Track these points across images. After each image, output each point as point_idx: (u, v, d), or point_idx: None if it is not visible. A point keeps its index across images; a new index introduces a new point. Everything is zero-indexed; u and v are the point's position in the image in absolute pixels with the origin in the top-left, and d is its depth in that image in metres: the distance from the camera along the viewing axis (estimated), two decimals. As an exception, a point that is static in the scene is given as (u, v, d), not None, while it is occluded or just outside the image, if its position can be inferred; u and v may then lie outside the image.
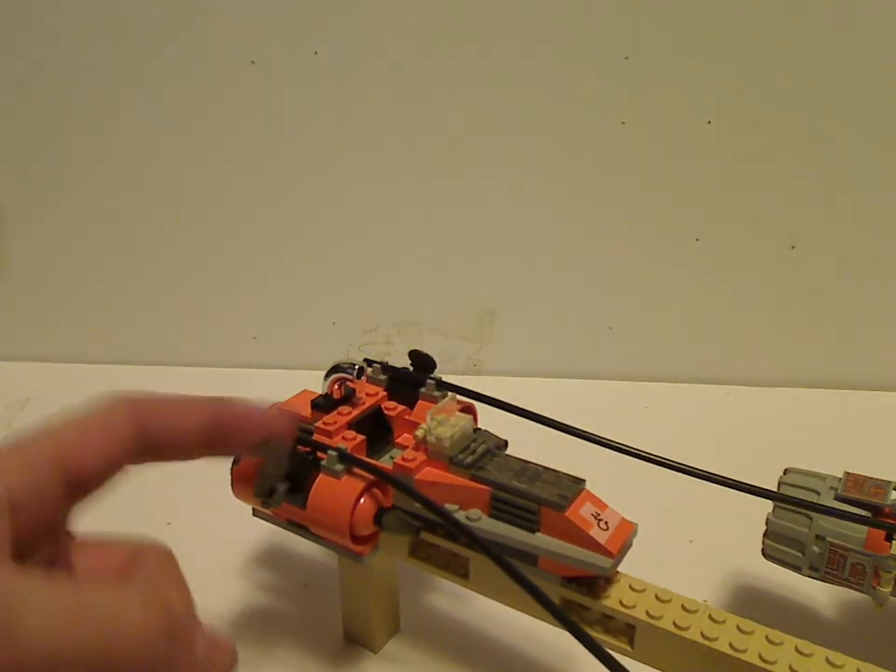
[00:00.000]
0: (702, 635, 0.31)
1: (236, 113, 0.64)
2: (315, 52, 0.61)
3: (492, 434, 0.38)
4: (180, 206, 0.68)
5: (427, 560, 0.37)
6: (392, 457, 0.37)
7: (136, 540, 0.25)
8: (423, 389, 0.40)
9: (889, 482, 0.36)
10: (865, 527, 0.34)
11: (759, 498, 0.35)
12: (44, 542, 0.23)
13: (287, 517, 0.35)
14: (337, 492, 0.33)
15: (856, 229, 0.63)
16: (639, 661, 0.32)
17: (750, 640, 0.30)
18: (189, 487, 0.44)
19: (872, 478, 0.37)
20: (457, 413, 0.37)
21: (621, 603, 0.32)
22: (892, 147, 0.60)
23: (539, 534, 0.33)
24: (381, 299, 0.69)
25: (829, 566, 0.35)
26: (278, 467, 0.33)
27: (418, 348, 0.42)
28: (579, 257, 0.66)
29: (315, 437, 0.36)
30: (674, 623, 0.31)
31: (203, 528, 0.47)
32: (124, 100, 0.65)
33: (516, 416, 0.38)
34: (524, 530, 0.33)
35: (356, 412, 0.38)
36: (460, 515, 0.34)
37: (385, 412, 0.39)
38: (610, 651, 0.27)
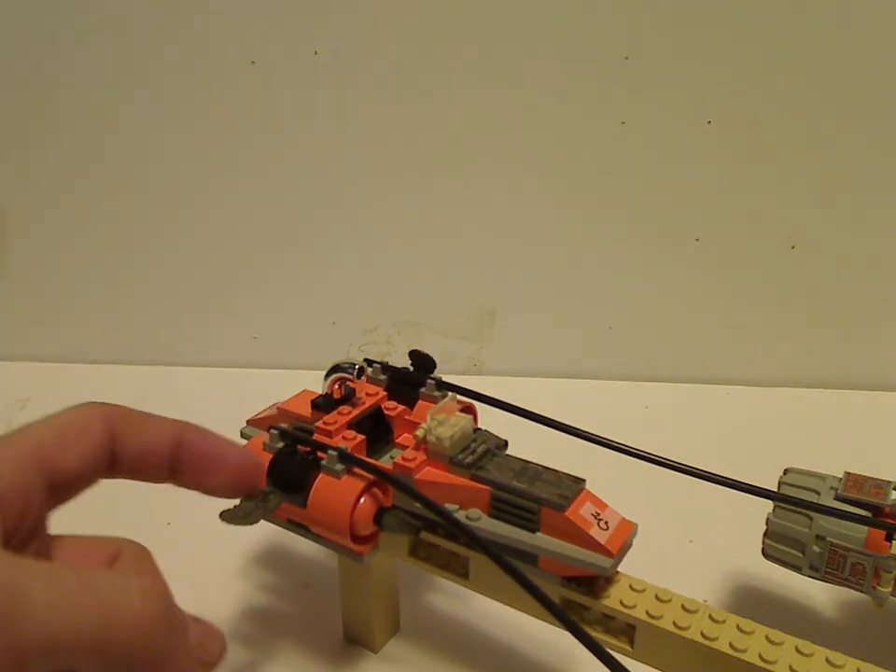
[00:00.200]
0: (702, 635, 0.31)
1: (236, 113, 0.64)
2: (315, 52, 0.61)
3: (492, 434, 0.38)
4: (180, 206, 0.68)
5: (427, 560, 0.37)
6: (392, 457, 0.37)
7: (113, 538, 0.25)
8: (423, 389, 0.40)
9: (889, 482, 0.36)
10: (865, 527, 0.34)
11: (759, 498, 0.35)
12: (26, 543, 0.24)
13: (288, 517, 0.35)
14: (337, 491, 0.33)
15: (856, 229, 0.63)
16: (639, 661, 0.32)
17: (750, 640, 0.30)
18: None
19: (872, 478, 0.37)
20: (457, 413, 0.37)
21: (621, 603, 0.32)
22: (892, 146, 0.60)
23: (539, 534, 0.33)
24: (381, 299, 0.69)
25: (829, 565, 0.35)
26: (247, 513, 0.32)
27: (418, 348, 0.42)
28: (579, 257, 0.66)
29: (316, 436, 0.36)
30: (674, 623, 0.31)
31: (202, 528, 0.46)
32: (124, 100, 0.65)
33: (516, 416, 0.38)
34: (524, 530, 0.33)
35: (356, 411, 0.38)
36: (460, 515, 0.34)
37: (386, 411, 0.39)
38: (610, 651, 0.27)
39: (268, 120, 0.64)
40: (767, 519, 0.37)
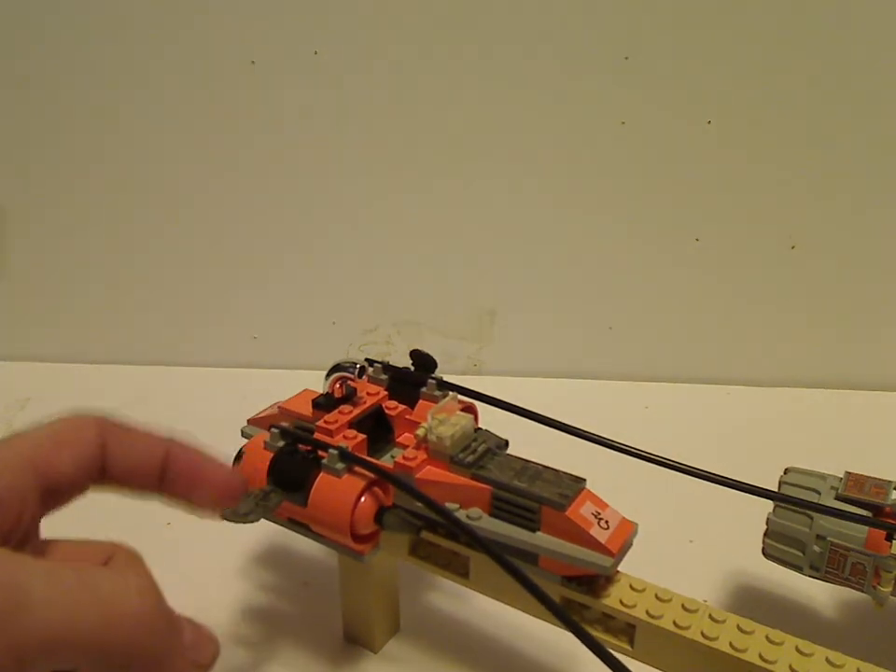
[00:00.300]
0: (702, 634, 0.31)
1: (236, 113, 0.64)
2: (315, 52, 0.61)
3: (493, 434, 0.38)
4: (180, 206, 0.68)
5: (428, 559, 0.37)
6: (393, 456, 0.37)
7: (105, 542, 0.25)
8: (424, 389, 0.40)
9: (889, 481, 0.36)
10: (866, 527, 0.34)
11: (759, 498, 0.35)
12: (20, 547, 0.24)
13: (288, 516, 0.35)
14: (338, 490, 0.33)
15: (856, 229, 0.63)
16: (639, 660, 0.32)
17: (751, 640, 0.30)
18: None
19: (872, 478, 0.37)
20: (458, 413, 0.37)
21: (621, 602, 0.32)
22: (892, 146, 0.60)
23: (539, 533, 0.33)
24: (381, 299, 0.69)
25: (829, 565, 0.35)
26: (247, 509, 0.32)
27: (418, 348, 0.42)
28: (579, 257, 0.66)
29: (316, 435, 0.36)
30: (674, 623, 0.31)
31: (203, 528, 0.46)
32: (124, 100, 0.65)
33: (517, 416, 0.38)
34: (524, 529, 0.33)
35: (357, 411, 0.38)
36: (461, 514, 0.34)
37: (386, 411, 0.39)
38: (611, 651, 0.27)
39: (268, 120, 0.64)
40: (768, 519, 0.37)
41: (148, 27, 0.62)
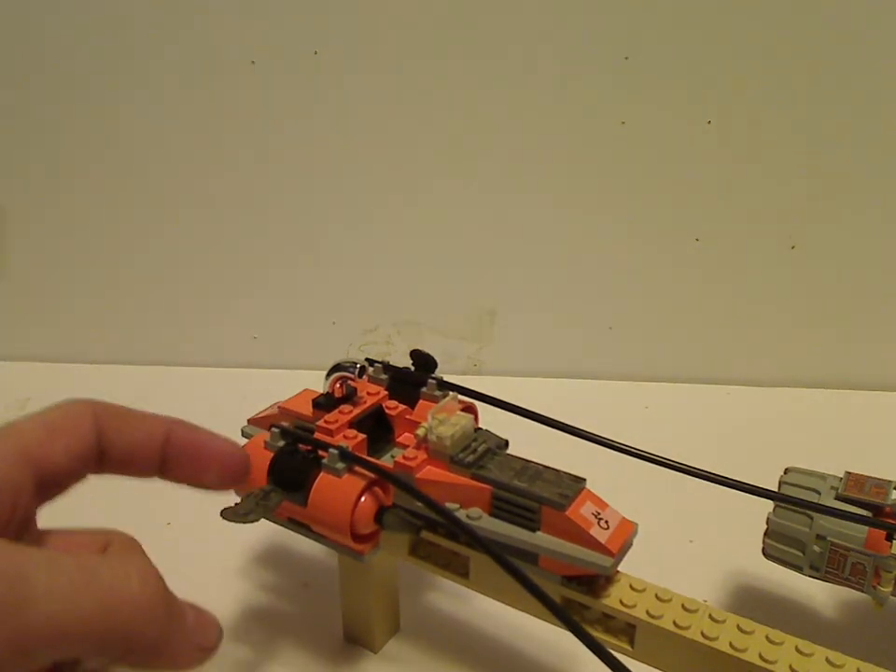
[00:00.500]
0: (702, 634, 0.31)
1: (236, 113, 0.64)
2: (315, 52, 0.61)
3: (493, 433, 0.38)
4: (180, 206, 0.68)
5: (428, 559, 0.37)
6: (393, 456, 0.37)
7: (101, 529, 0.25)
8: (424, 389, 0.40)
9: (889, 481, 0.36)
10: (866, 527, 0.34)
11: (759, 498, 0.35)
12: (17, 538, 0.24)
13: (288, 515, 0.35)
14: (338, 490, 0.33)
15: (856, 229, 0.63)
16: (639, 660, 0.32)
17: (750, 640, 0.30)
18: (189, 487, 0.44)
19: (872, 477, 0.37)
20: (458, 413, 0.37)
21: (621, 602, 0.32)
22: (892, 147, 0.60)
23: (539, 533, 0.33)
24: (381, 299, 0.69)
25: (829, 565, 0.35)
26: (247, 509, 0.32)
27: (419, 348, 0.42)
28: (579, 257, 0.66)
29: (317, 435, 0.36)
30: (674, 623, 0.31)
31: (202, 528, 0.46)
32: (124, 100, 0.65)
33: (517, 416, 0.38)
34: (524, 529, 0.33)
35: (357, 410, 0.38)
36: (461, 514, 0.34)
37: (387, 411, 0.39)
38: (611, 651, 0.27)
39: (268, 120, 0.64)
40: (768, 519, 0.37)
41: (148, 27, 0.62)
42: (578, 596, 0.33)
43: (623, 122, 0.61)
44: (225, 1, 0.61)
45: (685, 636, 0.31)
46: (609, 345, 0.68)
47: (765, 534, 0.37)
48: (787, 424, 0.61)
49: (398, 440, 0.38)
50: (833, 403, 0.65)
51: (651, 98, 0.60)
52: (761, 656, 0.30)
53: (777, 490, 0.37)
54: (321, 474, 0.34)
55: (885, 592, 0.34)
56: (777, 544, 0.37)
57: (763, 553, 0.37)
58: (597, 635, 0.33)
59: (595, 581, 0.33)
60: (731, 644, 0.30)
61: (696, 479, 0.35)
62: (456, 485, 0.35)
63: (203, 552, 0.46)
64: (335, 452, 0.34)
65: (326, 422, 0.37)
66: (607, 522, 0.33)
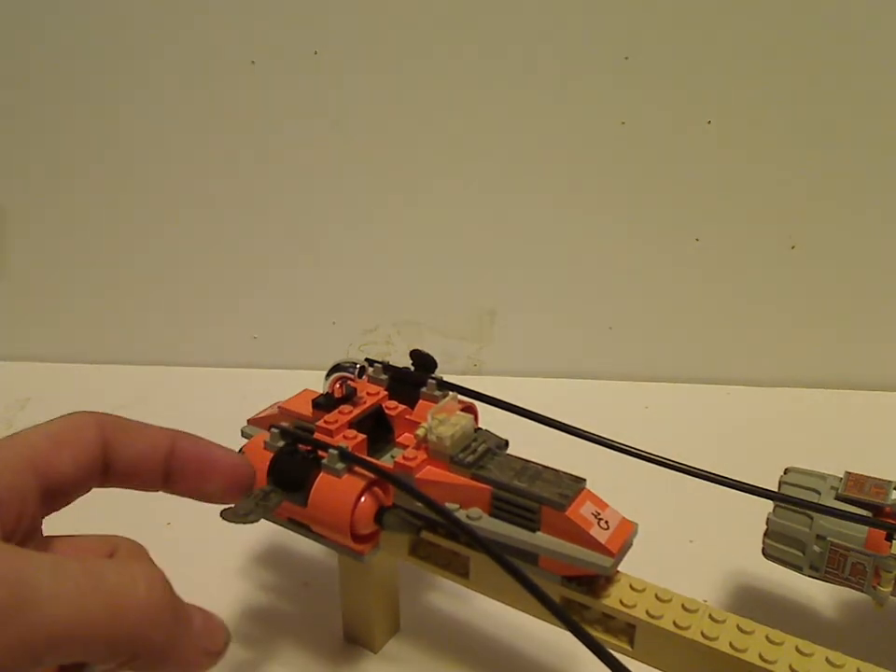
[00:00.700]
0: (702, 634, 0.31)
1: (236, 113, 0.64)
2: (315, 52, 0.61)
3: (493, 434, 0.38)
4: (180, 206, 0.68)
5: (428, 559, 0.37)
6: (393, 456, 0.37)
7: (108, 536, 0.25)
8: (424, 389, 0.40)
9: (889, 481, 0.36)
10: (866, 527, 0.34)
11: (759, 498, 0.35)
12: (22, 546, 0.24)
13: (288, 516, 0.35)
14: (338, 490, 0.33)
15: (856, 229, 0.63)
16: (639, 660, 0.32)
17: (750, 640, 0.30)
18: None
19: (872, 478, 0.37)
20: (458, 413, 0.37)
21: (621, 602, 0.32)
22: (892, 146, 0.60)
23: (539, 533, 0.33)
24: (381, 299, 0.69)
25: (829, 565, 0.35)
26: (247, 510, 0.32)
27: (418, 348, 0.42)
28: (579, 257, 0.66)
29: (316, 435, 0.36)
30: (674, 623, 0.31)
31: (203, 528, 0.46)
32: (124, 100, 0.65)
33: (517, 416, 0.38)
34: (524, 529, 0.33)
35: (357, 411, 0.38)
36: (461, 514, 0.34)
37: (386, 411, 0.39)
38: (611, 651, 0.27)
39: (268, 120, 0.64)
40: (768, 519, 0.37)
41: (148, 27, 0.62)
42: (578, 596, 0.33)
43: (623, 122, 0.61)
44: (225, 1, 0.61)
45: (685, 636, 0.31)
46: (609, 345, 0.68)
47: (765, 534, 0.37)
48: (787, 424, 0.61)
49: (398, 440, 0.38)
50: (833, 403, 0.65)
51: (651, 98, 0.60)
52: (761, 656, 0.30)
53: (777, 490, 0.37)
54: (321, 474, 0.34)
55: (885, 592, 0.34)
56: (777, 544, 0.37)
57: (763, 553, 0.37)
58: (597, 635, 0.33)
59: (595, 581, 0.33)
60: (731, 644, 0.30)
61: (696, 479, 0.35)
62: (456, 485, 0.35)
63: (203, 552, 0.46)
64: (335, 452, 0.34)
65: (326, 422, 0.37)
66: (607, 522, 0.33)
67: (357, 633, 0.41)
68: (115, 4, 0.62)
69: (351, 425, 0.37)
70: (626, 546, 0.33)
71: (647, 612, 0.32)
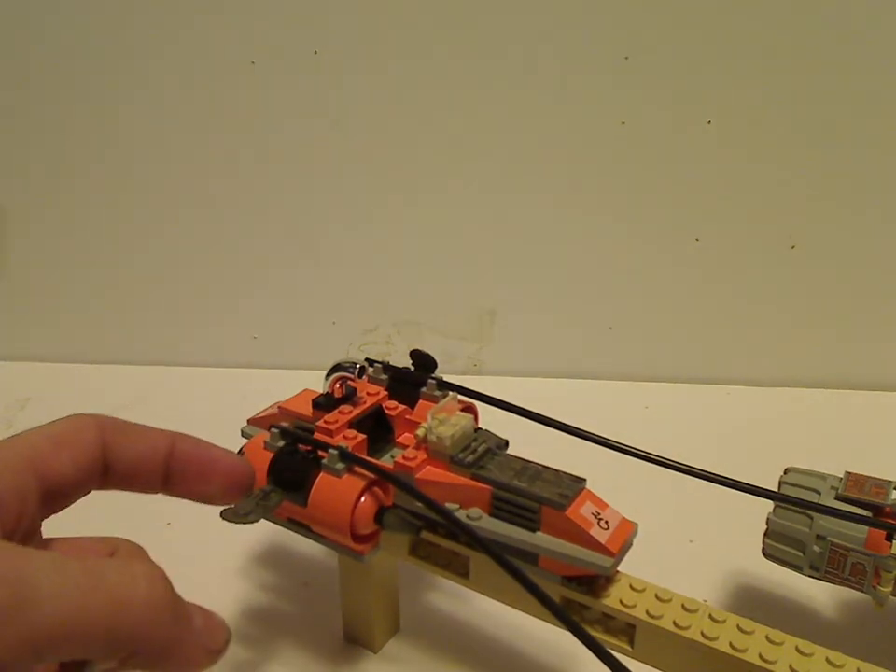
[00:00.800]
0: (702, 634, 0.31)
1: (236, 113, 0.64)
2: (315, 52, 0.61)
3: (493, 434, 0.38)
4: (180, 206, 0.68)
5: (428, 559, 0.37)
6: (393, 456, 0.37)
7: (107, 537, 0.25)
8: (424, 389, 0.40)
9: (889, 481, 0.36)
10: (866, 527, 0.34)
11: (759, 498, 0.35)
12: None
13: (288, 516, 0.35)
14: (338, 490, 0.33)
15: (856, 229, 0.63)
16: (639, 660, 0.32)
17: (750, 640, 0.30)
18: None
19: (872, 477, 0.37)
20: (458, 413, 0.37)
21: (621, 602, 0.32)
22: (892, 146, 0.60)
23: (539, 533, 0.33)
24: (381, 299, 0.69)
25: (829, 565, 0.35)
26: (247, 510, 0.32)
27: (418, 348, 0.42)
28: (579, 257, 0.66)
29: (316, 435, 0.36)
30: (674, 623, 0.31)
31: (203, 528, 0.46)
32: (124, 100, 0.65)
33: (517, 416, 0.38)
34: (524, 529, 0.33)
35: (357, 411, 0.38)
36: (461, 514, 0.34)
37: (386, 411, 0.39)
38: (611, 651, 0.27)
39: (268, 120, 0.64)
40: (768, 519, 0.37)
41: (148, 27, 0.62)
42: (578, 596, 0.33)
43: (623, 122, 0.61)
44: (225, 1, 0.61)
45: (685, 636, 0.31)
46: (609, 345, 0.68)
47: (765, 534, 0.37)
48: (787, 424, 0.61)
49: (398, 440, 0.38)
50: (833, 403, 0.65)
51: (651, 98, 0.60)
52: (761, 656, 0.30)
53: (777, 490, 0.37)
54: (321, 474, 0.34)
55: (885, 592, 0.34)
56: (777, 544, 0.37)
57: (763, 553, 0.37)
58: (597, 635, 0.33)
59: (595, 581, 0.33)
60: (731, 644, 0.30)
61: (696, 479, 0.35)
62: (456, 485, 0.35)
63: (203, 552, 0.46)
64: (335, 452, 0.34)
65: (326, 422, 0.37)
66: (607, 522, 0.33)
67: (357, 633, 0.41)
68: (115, 4, 0.62)
69: (351, 425, 0.37)
70: (626, 546, 0.33)
71: (647, 612, 0.32)
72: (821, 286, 0.65)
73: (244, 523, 0.31)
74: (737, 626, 0.31)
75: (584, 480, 0.34)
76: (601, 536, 0.32)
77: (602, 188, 0.64)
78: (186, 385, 0.67)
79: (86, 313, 0.72)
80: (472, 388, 0.39)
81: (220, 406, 0.53)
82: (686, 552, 0.48)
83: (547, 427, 0.37)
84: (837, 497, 0.36)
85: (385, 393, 0.40)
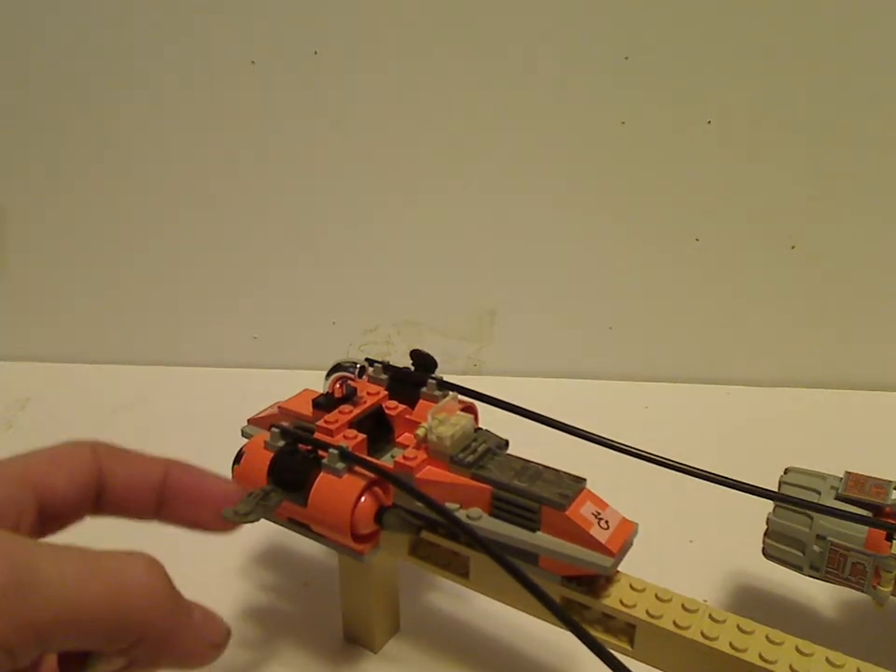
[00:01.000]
0: (702, 634, 0.31)
1: (236, 113, 0.64)
2: (315, 52, 0.61)
3: (493, 434, 0.38)
4: (180, 206, 0.68)
5: (428, 559, 0.37)
6: (393, 456, 0.37)
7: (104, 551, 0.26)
8: (424, 389, 0.40)
9: (889, 481, 0.36)
10: (866, 527, 0.34)
11: (759, 498, 0.35)
12: None
13: (288, 515, 0.35)
14: (338, 490, 0.33)
15: (856, 229, 0.63)
16: (639, 660, 0.32)
17: (750, 640, 0.30)
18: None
19: (872, 477, 0.37)
20: (458, 413, 0.37)
21: (621, 602, 0.32)
22: (892, 146, 0.60)
23: (539, 533, 0.33)
24: (381, 299, 0.69)
25: (829, 565, 0.35)
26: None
27: (418, 348, 0.42)
28: (579, 257, 0.66)
29: (317, 435, 0.36)
30: (674, 623, 0.31)
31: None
32: (124, 100, 0.65)
33: (517, 416, 0.38)
34: (524, 529, 0.33)
35: (357, 410, 0.38)
36: (461, 514, 0.34)
37: (386, 411, 0.39)
38: (611, 651, 0.27)
39: (268, 120, 0.64)
40: (768, 519, 0.37)
41: (148, 27, 0.62)
42: (578, 596, 0.33)
43: (623, 122, 0.61)
44: (225, 1, 0.61)
45: (685, 636, 0.31)
46: (609, 345, 0.68)
47: (765, 534, 0.37)
48: (787, 424, 0.61)
49: (398, 440, 0.38)
50: (833, 403, 0.65)
51: (651, 98, 0.60)
52: (761, 656, 0.30)
53: (777, 490, 0.37)
54: (321, 474, 0.34)
55: (885, 592, 0.34)
56: (777, 544, 0.37)
57: (763, 553, 0.37)
58: (597, 635, 0.33)
59: (595, 581, 0.33)
60: (731, 644, 0.30)
61: (696, 479, 0.35)
62: (456, 485, 0.35)
63: (203, 552, 0.46)
64: (335, 452, 0.34)
65: (326, 422, 0.37)
66: (607, 522, 0.33)
67: (357, 633, 0.41)
68: (115, 4, 0.62)
69: (351, 425, 0.37)
70: (626, 546, 0.33)
71: (647, 612, 0.32)
72: (821, 286, 0.65)
73: (244, 522, 0.31)
74: (737, 626, 0.31)
75: (584, 480, 0.34)
76: (601, 536, 0.32)
77: (602, 188, 0.64)
78: (186, 385, 0.67)
79: (86, 313, 0.72)
80: (472, 388, 0.39)
81: (220, 406, 0.53)
82: (686, 552, 0.48)
83: (547, 427, 0.37)
84: (837, 497, 0.36)
85: (386, 393, 0.40)
